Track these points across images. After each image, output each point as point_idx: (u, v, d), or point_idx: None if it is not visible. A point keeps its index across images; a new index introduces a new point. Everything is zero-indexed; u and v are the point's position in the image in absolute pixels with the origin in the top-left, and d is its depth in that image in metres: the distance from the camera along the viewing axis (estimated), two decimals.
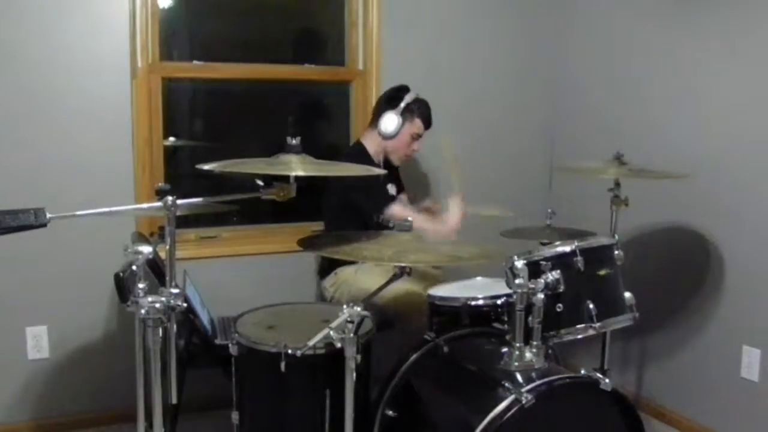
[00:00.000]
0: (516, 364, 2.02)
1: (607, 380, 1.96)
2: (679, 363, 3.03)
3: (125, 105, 2.91)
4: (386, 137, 2.87)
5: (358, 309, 1.79)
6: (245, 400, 2.26)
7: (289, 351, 2.05)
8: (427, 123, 2.92)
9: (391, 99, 2.90)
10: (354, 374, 1.82)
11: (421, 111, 2.89)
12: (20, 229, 1.52)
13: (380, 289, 1.93)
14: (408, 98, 2.87)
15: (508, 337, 2.10)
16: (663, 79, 3.04)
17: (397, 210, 2.77)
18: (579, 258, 2.09)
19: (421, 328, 2.42)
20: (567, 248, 2.11)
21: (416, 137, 2.91)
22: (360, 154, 2.86)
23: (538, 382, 1.93)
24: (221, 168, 1.79)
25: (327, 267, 2.94)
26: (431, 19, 3.39)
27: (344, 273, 2.87)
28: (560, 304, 2.06)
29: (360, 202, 2.76)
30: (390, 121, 2.85)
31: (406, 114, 2.86)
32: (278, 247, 3.19)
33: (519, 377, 1.98)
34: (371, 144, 2.92)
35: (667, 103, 3.03)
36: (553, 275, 2.05)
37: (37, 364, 2.88)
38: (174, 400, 1.77)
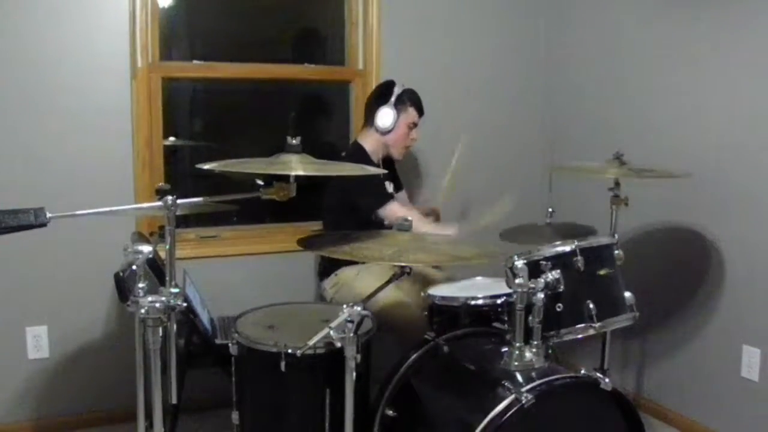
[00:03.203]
0: (516, 363, 2.02)
1: (607, 380, 1.96)
2: (679, 363, 3.03)
3: (125, 105, 2.91)
4: (384, 132, 2.89)
5: (358, 309, 1.79)
6: (245, 400, 2.26)
7: (289, 351, 2.06)
8: (420, 110, 2.96)
9: (381, 95, 2.94)
10: (354, 374, 1.82)
11: (412, 100, 2.94)
12: (20, 228, 1.52)
13: (380, 288, 1.93)
14: (397, 90, 2.90)
15: (508, 336, 2.10)
16: (663, 78, 3.04)
17: (395, 208, 2.77)
18: (579, 258, 2.09)
19: (418, 334, 2.42)
20: (567, 248, 2.10)
21: (412, 126, 2.95)
22: (359, 154, 2.87)
23: (538, 382, 1.93)
24: (221, 168, 1.79)
25: (328, 268, 2.93)
26: (431, 19, 3.40)
27: (345, 275, 2.87)
28: (560, 304, 2.06)
29: (359, 200, 2.77)
30: (386, 116, 2.88)
31: (399, 105, 2.90)
32: (278, 247, 3.19)
33: (519, 377, 1.98)
34: (369, 143, 2.93)
35: (667, 103, 3.03)
36: (553, 275, 2.05)
37: (37, 364, 2.88)
38: (174, 400, 1.77)
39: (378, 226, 2.78)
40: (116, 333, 2.97)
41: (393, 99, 2.89)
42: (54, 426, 2.91)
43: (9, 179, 2.75)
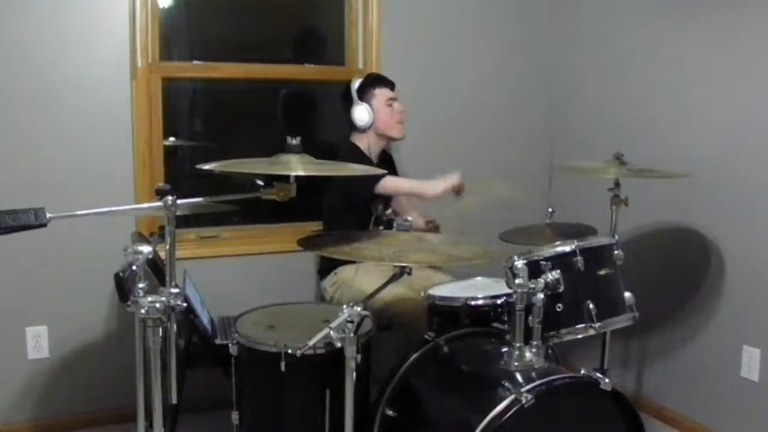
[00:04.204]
0: (516, 364, 2.02)
1: (607, 380, 1.96)
2: (679, 363, 3.03)
3: (125, 105, 2.91)
4: (369, 126, 2.89)
5: (358, 309, 1.79)
6: (245, 400, 2.26)
7: (289, 351, 2.06)
8: (388, 84, 2.95)
9: (344, 100, 2.94)
10: (354, 374, 1.82)
11: (374, 82, 2.93)
12: (20, 229, 1.52)
13: (380, 289, 1.93)
14: (354, 86, 2.91)
15: (508, 337, 2.10)
16: (663, 78, 3.04)
17: (392, 180, 2.77)
18: (579, 258, 2.09)
19: (420, 330, 2.42)
20: (567, 248, 2.10)
21: (391, 102, 2.92)
22: (353, 152, 2.87)
23: (538, 382, 1.93)
24: (221, 168, 1.79)
25: (327, 267, 2.93)
26: (431, 19, 3.39)
27: (344, 273, 2.86)
28: (560, 304, 2.06)
29: (354, 188, 2.75)
30: (359, 113, 2.88)
31: (365, 96, 2.90)
32: (278, 247, 3.19)
33: (519, 377, 1.98)
34: (361, 141, 2.93)
35: (667, 103, 3.03)
36: (553, 275, 2.05)
37: (37, 364, 2.88)
38: (174, 400, 1.77)
39: (378, 223, 2.78)
40: (116, 333, 2.97)
41: (355, 96, 2.89)
42: (54, 426, 2.91)
43: (9, 179, 2.75)
